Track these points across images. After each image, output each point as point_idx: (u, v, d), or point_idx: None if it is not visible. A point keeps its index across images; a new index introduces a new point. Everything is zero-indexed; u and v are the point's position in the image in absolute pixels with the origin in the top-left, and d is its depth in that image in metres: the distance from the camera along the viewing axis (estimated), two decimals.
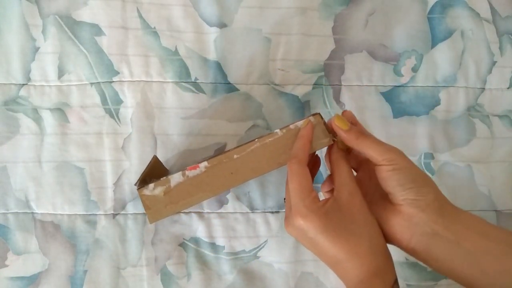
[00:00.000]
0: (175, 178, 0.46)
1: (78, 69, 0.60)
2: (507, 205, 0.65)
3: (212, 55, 0.62)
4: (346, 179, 0.44)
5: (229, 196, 0.62)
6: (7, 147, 0.59)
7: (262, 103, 0.63)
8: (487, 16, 0.66)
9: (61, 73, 0.60)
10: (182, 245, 0.60)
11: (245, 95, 0.62)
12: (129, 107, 0.61)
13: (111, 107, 0.61)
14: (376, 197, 0.46)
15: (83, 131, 0.60)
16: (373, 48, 0.65)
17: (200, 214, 0.61)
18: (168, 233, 0.60)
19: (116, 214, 0.60)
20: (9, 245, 0.59)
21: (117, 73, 0.61)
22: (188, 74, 0.62)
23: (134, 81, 0.61)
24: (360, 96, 0.64)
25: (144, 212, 0.59)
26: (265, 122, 0.62)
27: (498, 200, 0.65)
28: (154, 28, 0.61)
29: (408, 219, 0.42)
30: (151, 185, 0.46)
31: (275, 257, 0.61)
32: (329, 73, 0.64)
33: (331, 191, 0.52)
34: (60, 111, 0.60)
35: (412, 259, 0.62)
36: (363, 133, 0.44)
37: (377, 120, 0.64)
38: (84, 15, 0.61)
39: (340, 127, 0.45)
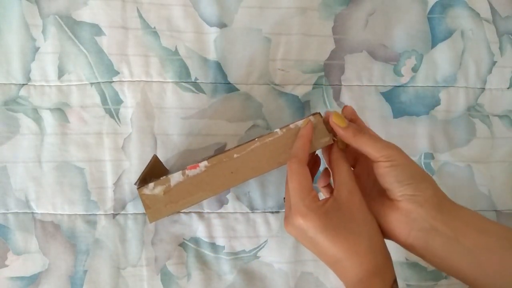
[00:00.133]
0: (175, 178, 0.46)
1: (78, 69, 0.60)
2: (507, 205, 0.65)
3: (212, 55, 0.62)
4: (345, 178, 0.44)
5: (229, 196, 0.62)
6: (7, 147, 0.59)
7: (262, 103, 0.63)
8: (487, 16, 0.66)
9: (61, 73, 0.60)
10: (182, 245, 0.60)
11: (245, 95, 0.62)
12: (129, 107, 0.61)
13: (111, 107, 0.61)
14: (374, 193, 0.46)
15: (83, 131, 0.60)
16: (373, 48, 0.65)
17: (200, 214, 0.61)
18: (168, 233, 0.60)
19: (116, 214, 0.60)
20: (9, 245, 0.59)
21: (117, 73, 0.61)
22: (188, 74, 0.62)
23: (134, 81, 0.61)
24: (360, 96, 0.64)
25: (144, 212, 0.59)
26: (265, 122, 0.62)
27: (498, 200, 0.65)
28: (154, 28, 0.61)
29: (406, 214, 0.42)
30: (151, 185, 0.46)
31: (275, 257, 0.61)
32: (329, 73, 0.64)
33: (328, 186, 0.52)
34: (60, 111, 0.60)
35: (412, 259, 0.62)
36: (360, 130, 0.44)
37: (377, 120, 0.64)
38: (84, 15, 0.61)
39: (338, 124, 0.45)
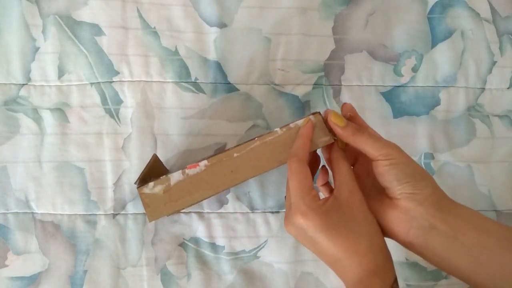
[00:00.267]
0: (175, 177, 0.46)
1: (78, 69, 0.60)
2: (507, 205, 0.65)
3: (212, 55, 0.62)
4: (346, 178, 0.44)
5: (229, 196, 0.62)
6: (7, 147, 0.59)
7: (262, 103, 0.63)
8: (487, 16, 0.67)
9: (61, 73, 0.60)
10: (182, 245, 0.60)
11: (245, 95, 0.62)
12: (129, 107, 0.61)
13: (111, 107, 0.61)
14: (373, 192, 0.46)
15: (83, 131, 0.60)
16: (373, 48, 0.65)
17: (200, 214, 0.61)
18: (168, 233, 0.60)
19: (116, 214, 0.60)
20: (9, 245, 0.59)
21: (117, 73, 0.61)
22: (188, 74, 0.62)
23: (134, 81, 0.61)
24: (360, 96, 0.64)
25: (144, 212, 0.59)
26: (265, 122, 0.62)
27: (498, 200, 0.65)
28: (154, 28, 0.62)
29: (405, 212, 0.42)
30: (151, 184, 0.46)
31: (275, 257, 0.61)
32: (329, 73, 0.64)
33: (326, 184, 0.52)
34: (60, 111, 0.60)
35: (412, 259, 0.62)
36: (359, 129, 0.44)
37: (377, 120, 0.64)
38: (84, 15, 0.61)
39: (336, 124, 0.45)
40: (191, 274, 0.60)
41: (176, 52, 0.61)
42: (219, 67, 0.62)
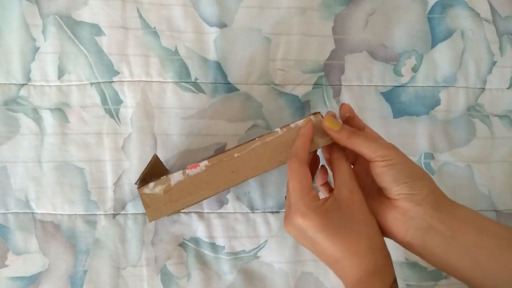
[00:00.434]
0: (176, 177, 0.46)
1: (78, 69, 0.60)
2: (507, 205, 0.65)
3: (212, 55, 0.62)
4: (346, 177, 0.44)
5: (229, 196, 0.62)
6: (7, 147, 0.59)
7: (262, 103, 0.63)
8: (487, 16, 0.66)
9: (61, 73, 0.60)
10: (182, 245, 0.60)
11: (245, 95, 0.62)
12: (129, 107, 0.61)
13: (111, 107, 0.61)
14: (372, 191, 0.46)
15: (83, 131, 0.60)
16: (373, 48, 0.65)
17: (200, 214, 0.61)
18: (168, 233, 0.60)
19: (116, 214, 0.60)
20: (9, 245, 0.59)
21: (117, 73, 0.61)
22: (188, 74, 0.62)
23: (134, 81, 0.61)
24: (360, 96, 0.64)
25: (144, 212, 0.59)
26: (265, 122, 0.62)
27: (498, 200, 0.65)
28: (154, 28, 0.62)
29: (404, 213, 0.42)
30: (151, 184, 0.46)
31: (275, 257, 0.61)
32: (329, 73, 0.64)
33: (326, 184, 0.52)
34: (60, 111, 0.60)
35: (412, 259, 0.62)
36: (354, 132, 0.44)
37: (377, 120, 0.64)
38: (84, 15, 0.61)
39: (331, 128, 0.45)
40: (191, 274, 0.60)
41: (176, 52, 0.61)
42: (219, 67, 0.62)
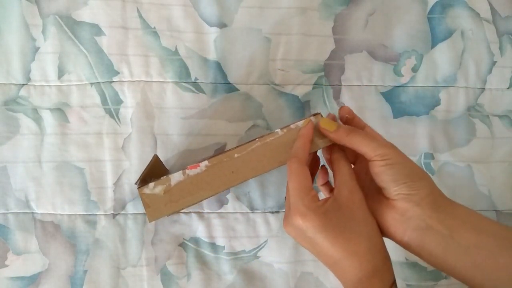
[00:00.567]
0: (176, 177, 0.46)
1: (78, 69, 0.60)
2: (507, 205, 0.65)
3: (212, 55, 0.62)
4: (346, 178, 0.44)
5: (229, 196, 0.62)
6: (7, 147, 0.59)
7: (262, 103, 0.63)
8: (487, 16, 0.66)
9: (61, 73, 0.60)
10: (182, 245, 0.60)
11: (245, 95, 0.62)
12: (129, 107, 0.61)
13: (111, 107, 0.61)
14: (371, 191, 0.46)
15: (83, 131, 0.60)
16: (373, 48, 0.65)
17: (200, 214, 0.61)
18: (168, 233, 0.60)
19: (116, 214, 0.60)
20: (9, 245, 0.59)
21: (117, 73, 0.61)
22: (188, 74, 0.62)
23: (134, 81, 0.61)
24: (360, 96, 0.64)
25: (144, 212, 0.59)
26: (265, 122, 0.62)
27: (498, 200, 0.65)
28: (154, 28, 0.61)
29: (402, 213, 0.42)
30: (152, 184, 0.46)
31: (275, 257, 0.61)
32: (329, 73, 0.64)
33: (326, 184, 0.52)
34: (60, 111, 0.60)
35: (412, 259, 0.62)
36: (352, 130, 0.44)
37: (377, 120, 0.64)
38: (84, 15, 0.61)
39: (327, 129, 0.45)
40: (191, 274, 0.60)
41: (176, 52, 0.61)
42: (219, 67, 0.62)
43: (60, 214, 0.59)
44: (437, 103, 0.65)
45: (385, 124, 0.64)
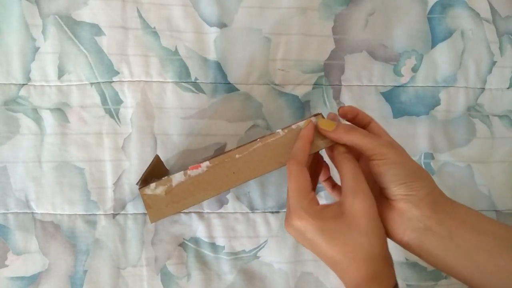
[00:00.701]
0: (177, 178, 0.46)
1: (78, 69, 0.60)
2: (507, 205, 0.65)
3: (212, 55, 0.62)
4: (350, 183, 0.42)
5: (229, 196, 0.62)
6: (7, 147, 0.59)
7: (262, 103, 0.63)
8: (487, 16, 0.66)
9: (61, 73, 0.60)
10: (182, 245, 0.60)
11: (245, 95, 0.62)
12: (129, 107, 0.61)
13: (111, 107, 0.61)
14: (375, 191, 0.44)
15: (83, 131, 0.60)
16: (373, 48, 0.65)
17: (200, 214, 0.61)
18: (168, 233, 0.60)
19: (116, 214, 0.60)
20: (9, 245, 0.59)
21: (117, 73, 0.61)
22: (188, 74, 0.61)
23: (134, 81, 0.61)
24: (360, 96, 0.64)
25: (144, 212, 0.59)
26: (265, 122, 0.62)
27: (498, 200, 0.65)
28: (154, 28, 0.61)
29: (401, 214, 0.41)
30: (153, 185, 0.46)
31: (275, 257, 0.61)
32: (329, 73, 0.64)
33: (329, 179, 0.52)
34: (60, 111, 0.60)
35: (412, 259, 0.62)
36: (351, 128, 0.44)
37: (377, 120, 0.64)
38: (84, 15, 0.61)
39: (326, 130, 0.45)
40: (191, 274, 0.60)
41: (176, 52, 0.61)
42: (219, 67, 0.62)
43: (60, 214, 0.59)
44: (437, 103, 0.65)
45: (385, 124, 0.63)
